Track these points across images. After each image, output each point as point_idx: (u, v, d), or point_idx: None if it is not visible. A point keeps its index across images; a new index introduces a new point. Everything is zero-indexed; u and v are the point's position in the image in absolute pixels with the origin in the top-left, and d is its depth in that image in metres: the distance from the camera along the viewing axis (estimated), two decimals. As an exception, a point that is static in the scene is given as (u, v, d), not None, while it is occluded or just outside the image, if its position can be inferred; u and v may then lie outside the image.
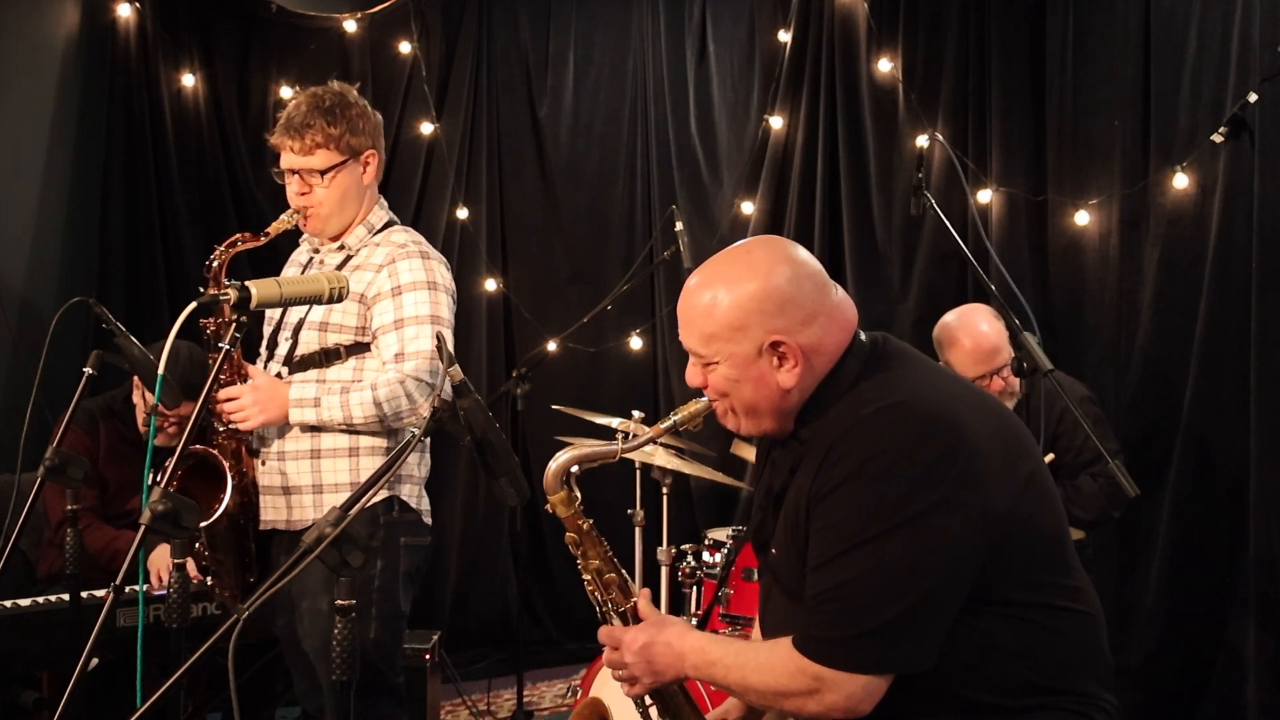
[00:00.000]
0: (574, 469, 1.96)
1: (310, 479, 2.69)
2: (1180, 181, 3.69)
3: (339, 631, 1.78)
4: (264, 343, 2.82)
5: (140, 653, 2.18)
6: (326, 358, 2.70)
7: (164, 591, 3.07)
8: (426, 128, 5.07)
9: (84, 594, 2.95)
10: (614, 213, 5.37)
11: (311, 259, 2.87)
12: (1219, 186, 3.60)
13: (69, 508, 2.48)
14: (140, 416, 3.51)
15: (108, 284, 4.44)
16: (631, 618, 1.97)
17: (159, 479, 2.48)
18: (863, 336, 1.81)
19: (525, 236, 5.34)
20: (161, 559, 3.27)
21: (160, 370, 2.07)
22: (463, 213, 5.13)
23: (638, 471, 3.80)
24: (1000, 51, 4.21)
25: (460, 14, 5.16)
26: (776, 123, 4.94)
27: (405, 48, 5.05)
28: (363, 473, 2.68)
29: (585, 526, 2.00)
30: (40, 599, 3.10)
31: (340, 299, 2.25)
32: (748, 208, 5.02)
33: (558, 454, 1.95)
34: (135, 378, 3.44)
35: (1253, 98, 3.48)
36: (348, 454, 2.70)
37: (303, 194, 2.71)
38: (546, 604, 5.29)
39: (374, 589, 2.68)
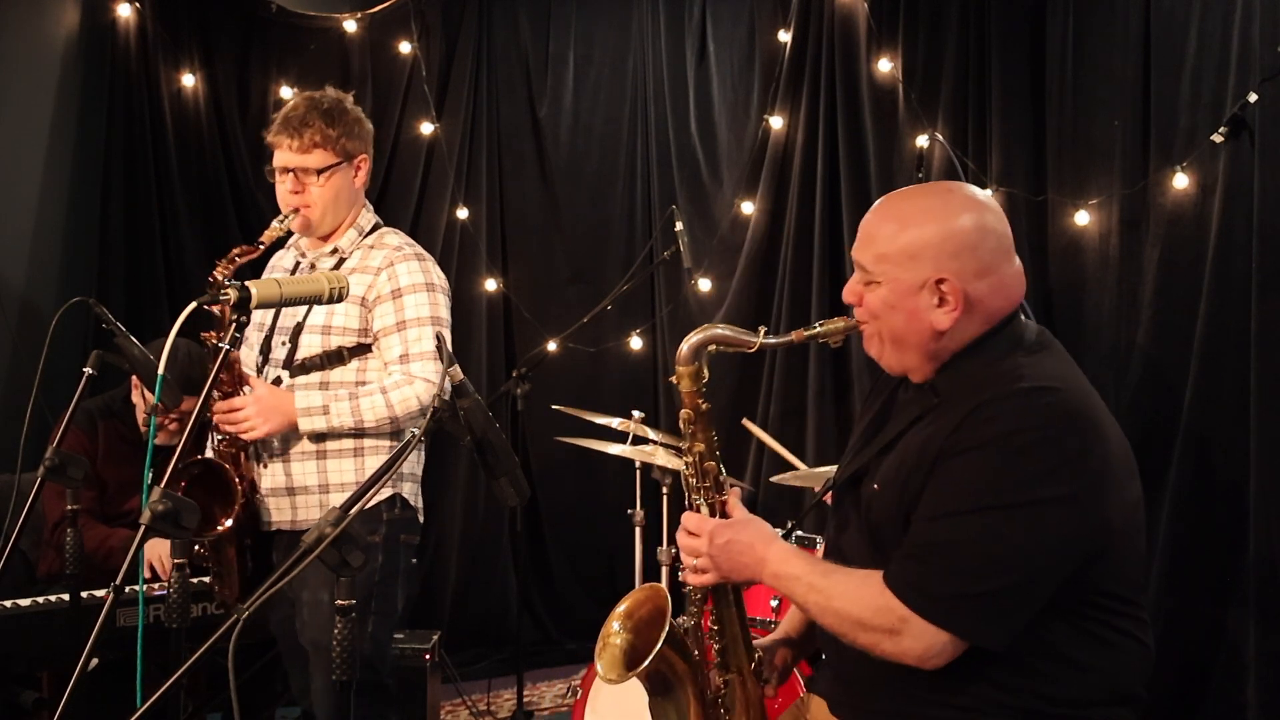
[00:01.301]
0: (711, 347, 1.93)
1: (316, 479, 2.71)
2: (1180, 181, 3.69)
3: (339, 631, 1.77)
4: (257, 349, 2.82)
5: (140, 653, 2.18)
6: (329, 360, 2.72)
7: (164, 591, 3.07)
8: (426, 128, 5.07)
9: (84, 594, 2.95)
10: (614, 213, 5.37)
11: (299, 264, 2.88)
12: (1219, 186, 3.59)
13: (68, 508, 2.48)
14: (140, 416, 3.51)
15: (108, 284, 4.44)
16: (719, 512, 1.95)
17: (163, 482, 2.51)
18: (1024, 317, 1.82)
19: (525, 236, 5.34)
20: (156, 548, 3.27)
21: (160, 370, 2.07)
22: (463, 213, 5.13)
23: (638, 471, 3.81)
24: (1000, 51, 4.20)
25: (460, 14, 5.16)
26: (776, 123, 4.94)
27: (405, 48, 5.05)
28: (368, 472, 2.69)
29: (704, 407, 1.97)
30: (40, 599, 3.10)
31: (340, 299, 2.26)
32: (748, 208, 5.02)
33: (699, 329, 1.93)
34: (134, 377, 3.44)
35: (1253, 98, 3.48)
36: (353, 454, 2.73)
37: (296, 192, 2.73)
38: (546, 604, 5.29)
39: (374, 584, 2.70)
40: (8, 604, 3.04)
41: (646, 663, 1.88)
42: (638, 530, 3.74)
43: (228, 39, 4.85)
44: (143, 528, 1.79)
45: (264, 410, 2.63)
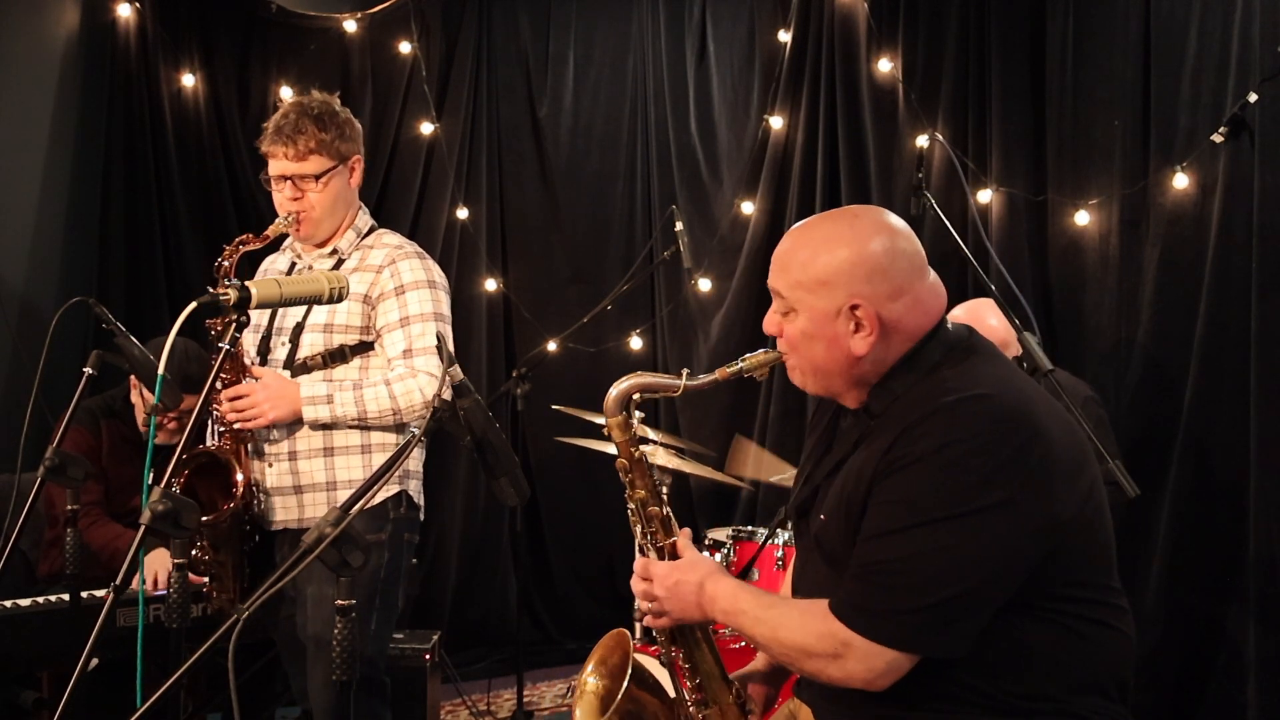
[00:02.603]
0: (635, 396, 1.96)
1: (324, 476, 2.73)
2: (1180, 181, 3.69)
3: (339, 631, 1.77)
4: (253, 350, 2.83)
5: (140, 653, 2.18)
6: (332, 358, 2.75)
7: (164, 591, 3.07)
8: (426, 128, 5.07)
9: (84, 594, 2.95)
10: (614, 213, 5.37)
11: (295, 265, 2.88)
12: (1219, 186, 3.59)
13: (69, 507, 2.48)
14: (140, 416, 3.51)
15: (108, 284, 4.44)
16: (669, 554, 1.98)
17: (167, 477, 2.53)
18: (949, 325, 1.82)
19: (525, 236, 5.34)
20: (158, 562, 3.27)
21: (160, 370, 2.07)
22: (463, 213, 5.13)
23: (638, 471, 3.80)
24: (1000, 51, 4.21)
25: (460, 14, 5.16)
26: (776, 123, 4.94)
27: (405, 48, 5.05)
28: (375, 470, 2.71)
29: (637, 454, 2.00)
30: (40, 599, 3.10)
31: (340, 299, 2.26)
32: (748, 208, 5.02)
33: (622, 379, 1.96)
34: (133, 377, 3.44)
35: (1253, 98, 3.48)
36: (360, 451, 2.75)
37: (295, 199, 2.76)
38: (546, 604, 5.29)
39: (379, 581, 2.73)
40: (8, 604, 3.04)
41: (614, 705, 1.91)
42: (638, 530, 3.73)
43: (228, 39, 4.85)
44: (142, 528, 1.79)
45: (271, 397, 2.64)
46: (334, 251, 2.83)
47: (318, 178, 2.75)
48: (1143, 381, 3.82)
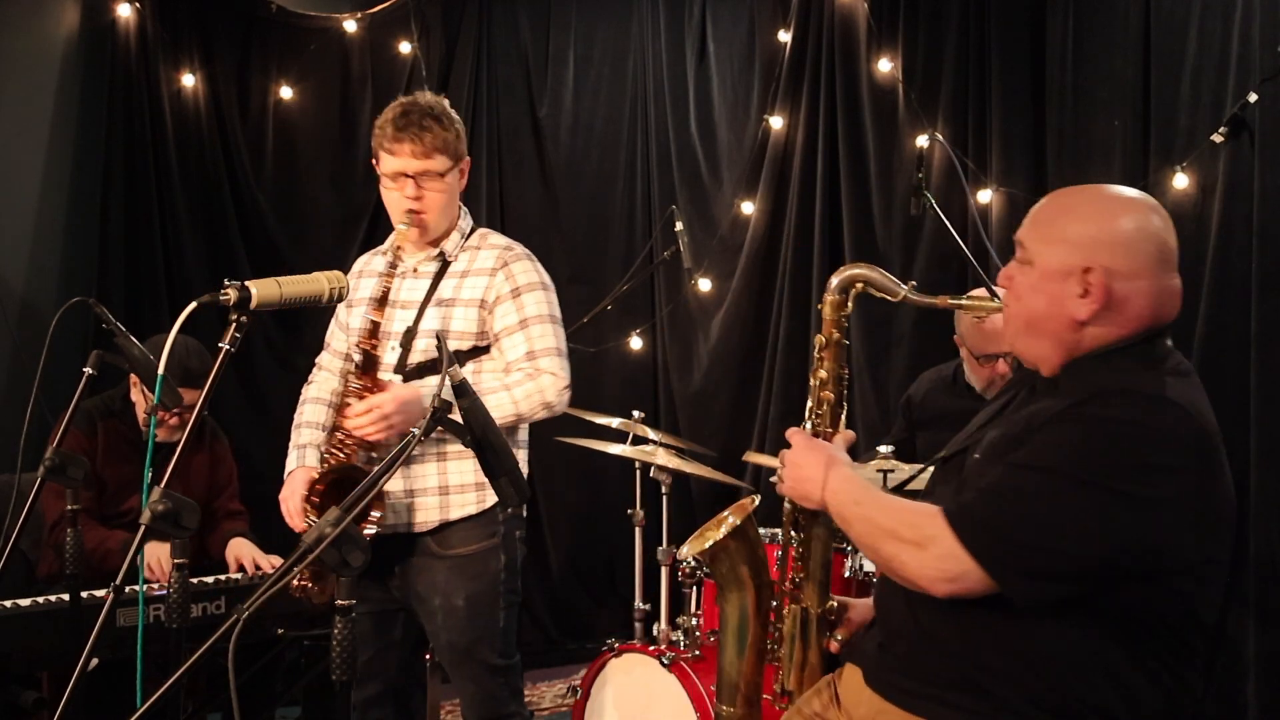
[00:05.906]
0: (859, 285, 2.06)
1: (436, 480, 2.72)
2: (1180, 181, 3.69)
3: (339, 632, 1.77)
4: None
5: (140, 653, 2.18)
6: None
7: (164, 591, 3.07)
8: (426, 128, 5.06)
9: (84, 594, 2.94)
10: (614, 213, 5.37)
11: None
12: (1219, 186, 3.59)
13: (68, 508, 2.48)
14: (140, 415, 3.51)
15: (108, 284, 4.44)
16: (824, 438, 2.06)
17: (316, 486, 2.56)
18: (1169, 342, 1.82)
19: (525, 236, 5.27)
20: (154, 550, 3.27)
21: (160, 370, 2.07)
22: (463, 213, 5.13)
23: (637, 471, 3.80)
24: (1000, 51, 4.21)
25: (460, 14, 5.17)
26: (776, 123, 4.94)
27: (405, 48, 5.05)
28: (450, 473, 2.75)
29: (836, 337, 2.08)
30: (40, 599, 3.10)
31: (340, 299, 2.25)
32: (748, 208, 5.02)
33: (851, 265, 2.08)
34: (132, 375, 3.44)
35: (1253, 98, 3.48)
36: (437, 458, 2.74)
37: (417, 198, 2.71)
38: (546, 604, 5.29)
39: (501, 582, 2.76)
40: (8, 604, 3.03)
41: (707, 545, 2.06)
42: (638, 530, 3.73)
43: (228, 39, 4.85)
44: (142, 527, 1.79)
45: (400, 407, 2.59)
46: (441, 254, 2.79)
47: (443, 175, 2.72)
48: (1143, 381, 3.82)
